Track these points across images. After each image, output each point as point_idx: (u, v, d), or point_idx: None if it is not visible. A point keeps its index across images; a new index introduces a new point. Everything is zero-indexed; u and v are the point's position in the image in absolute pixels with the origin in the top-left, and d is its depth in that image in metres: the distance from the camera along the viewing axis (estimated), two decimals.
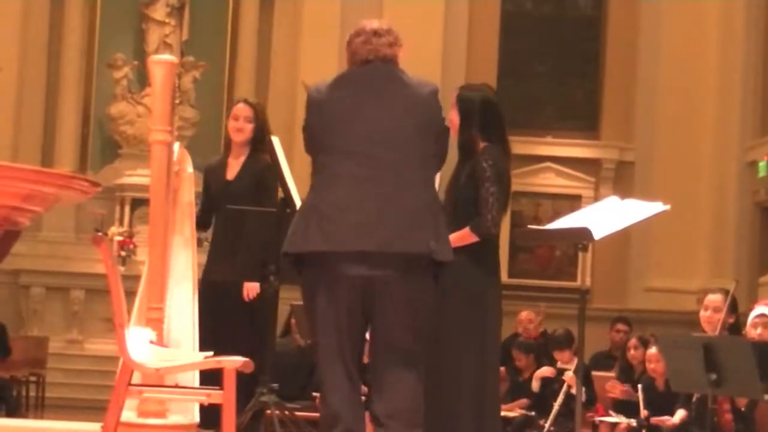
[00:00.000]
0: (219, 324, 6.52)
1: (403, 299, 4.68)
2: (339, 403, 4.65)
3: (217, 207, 6.71)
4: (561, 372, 9.32)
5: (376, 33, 4.87)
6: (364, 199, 4.65)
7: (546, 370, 9.33)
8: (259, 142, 6.84)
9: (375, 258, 4.62)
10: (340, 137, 4.71)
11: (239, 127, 6.87)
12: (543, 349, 10.06)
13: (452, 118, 5.74)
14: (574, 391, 8.84)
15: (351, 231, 4.62)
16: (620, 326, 11.89)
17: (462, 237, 5.51)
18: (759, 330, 7.04)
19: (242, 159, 6.90)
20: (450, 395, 5.54)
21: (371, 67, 4.82)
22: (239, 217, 6.34)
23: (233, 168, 6.92)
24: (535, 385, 9.59)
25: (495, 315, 5.71)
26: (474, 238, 5.53)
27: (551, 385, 9.36)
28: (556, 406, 8.97)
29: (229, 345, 6.02)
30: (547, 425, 8.87)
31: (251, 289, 6.67)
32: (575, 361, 9.13)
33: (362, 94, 4.77)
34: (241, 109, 6.92)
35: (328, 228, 4.63)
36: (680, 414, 7.36)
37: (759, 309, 7.25)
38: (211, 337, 6.08)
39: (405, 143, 4.73)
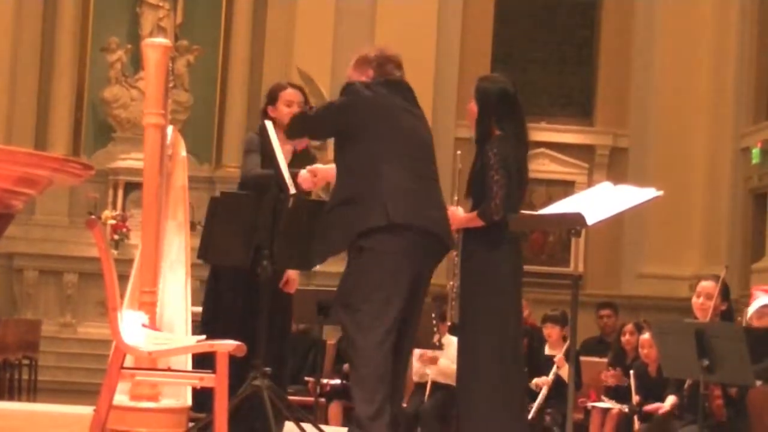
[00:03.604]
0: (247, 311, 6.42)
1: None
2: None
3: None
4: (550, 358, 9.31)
5: (400, 66, 5.57)
6: (427, 192, 5.38)
7: (543, 381, 9.28)
8: None
9: (437, 246, 5.37)
10: (391, 131, 5.36)
11: (295, 112, 6.35)
12: (535, 334, 10.05)
13: (471, 108, 5.99)
14: (561, 373, 8.87)
15: (429, 216, 5.32)
16: (604, 311, 11.84)
17: (470, 219, 5.85)
18: (766, 321, 7.06)
19: (289, 146, 6.65)
20: (466, 378, 5.83)
21: (405, 84, 5.55)
22: (234, 201, 6.30)
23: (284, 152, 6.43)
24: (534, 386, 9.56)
25: (517, 298, 5.96)
26: (480, 222, 5.79)
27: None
28: (545, 389, 8.99)
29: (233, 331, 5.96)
30: (534, 407, 8.87)
31: (294, 280, 6.53)
32: (563, 342, 9.16)
33: (402, 100, 5.48)
34: (295, 95, 6.61)
35: (410, 207, 5.27)
36: (671, 400, 7.38)
37: (763, 299, 7.25)
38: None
39: (430, 152, 5.53)
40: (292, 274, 6.53)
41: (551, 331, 9.50)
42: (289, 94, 6.62)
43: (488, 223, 5.76)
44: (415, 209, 5.27)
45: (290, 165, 6.48)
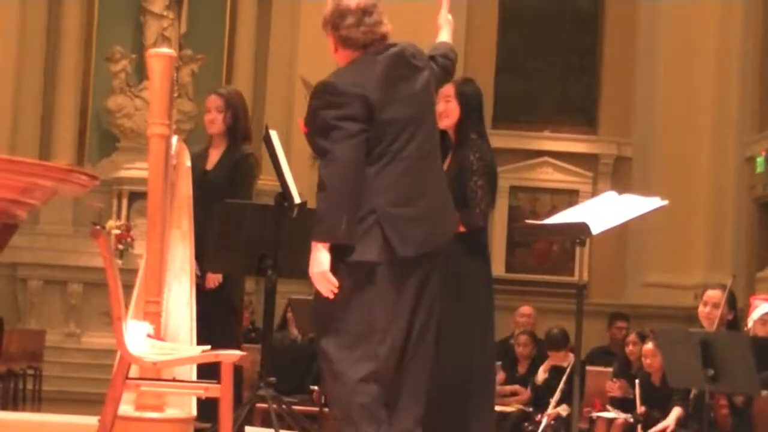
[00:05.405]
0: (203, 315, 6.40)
1: (436, 294, 4.72)
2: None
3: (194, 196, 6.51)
4: (561, 370, 9.28)
5: (365, 12, 4.68)
6: (419, 194, 4.59)
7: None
8: (237, 131, 6.77)
9: (428, 256, 4.63)
10: (385, 126, 4.56)
11: (211, 118, 6.80)
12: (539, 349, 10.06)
13: (448, 110, 5.76)
14: (561, 411, 8.87)
15: (418, 234, 4.57)
16: (620, 323, 11.90)
17: None
18: None
19: (221, 150, 6.82)
20: (440, 388, 5.48)
21: (381, 56, 4.66)
22: (238, 210, 6.31)
23: (213, 158, 6.81)
24: (541, 377, 9.58)
25: (487, 308, 5.71)
26: (460, 229, 5.43)
27: (554, 380, 9.32)
28: (553, 402, 8.98)
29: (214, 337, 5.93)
30: (545, 420, 8.86)
31: (213, 279, 6.53)
32: (571, 358, 9.14)
33: (384, 84, 4.62)
34: (212, 101, 6.84)
35: (401, 233, 4.52)
36: (675, 413, 7.35)
37: (765, 306, 7.24)
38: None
39: (429, 129, 4.73)
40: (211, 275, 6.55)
41: (555, 356, 9.55)
42: (207, 100, 6.95)
43: (471, 230, 5.56)
44: None
45: (220, 161, 6.70)
